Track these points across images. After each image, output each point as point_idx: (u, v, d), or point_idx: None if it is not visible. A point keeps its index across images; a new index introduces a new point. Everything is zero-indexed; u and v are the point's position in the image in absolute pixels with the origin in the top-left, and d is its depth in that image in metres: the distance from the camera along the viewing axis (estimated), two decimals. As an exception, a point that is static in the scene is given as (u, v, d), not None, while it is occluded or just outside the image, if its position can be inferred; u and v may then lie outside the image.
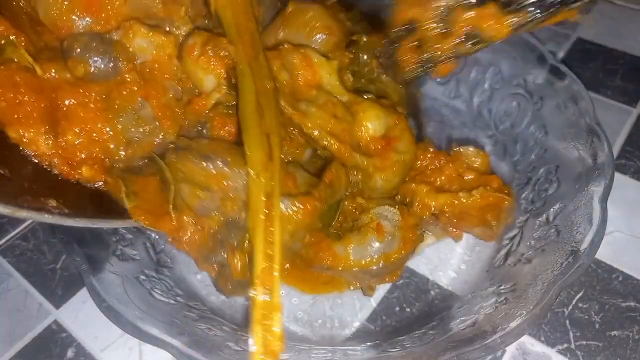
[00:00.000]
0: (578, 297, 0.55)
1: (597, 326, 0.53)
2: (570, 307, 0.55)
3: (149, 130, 0.46)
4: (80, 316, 0.57)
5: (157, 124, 0.46)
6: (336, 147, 0.48)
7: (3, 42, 0.44)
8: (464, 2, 0.42)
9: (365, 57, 0.54)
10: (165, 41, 0.46)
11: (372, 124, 0.49)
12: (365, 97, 0.51)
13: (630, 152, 0.69)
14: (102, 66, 0.44)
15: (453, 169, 0.54)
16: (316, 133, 0.47)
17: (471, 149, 0.55)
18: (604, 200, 0.48)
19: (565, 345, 0.52)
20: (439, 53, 0.45)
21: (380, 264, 0.50)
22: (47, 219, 0.40)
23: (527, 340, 0.53)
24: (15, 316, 0.57)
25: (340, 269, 0.51)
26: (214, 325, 0.49)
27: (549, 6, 0.40)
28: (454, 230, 0.54)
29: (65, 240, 0.48)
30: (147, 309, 0.46)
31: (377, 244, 0.50)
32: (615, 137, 0.70)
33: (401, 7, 0.45)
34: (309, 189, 0.46)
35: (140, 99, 0.45)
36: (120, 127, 0.45)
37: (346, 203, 0.53)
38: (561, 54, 0.83)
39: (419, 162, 0.54)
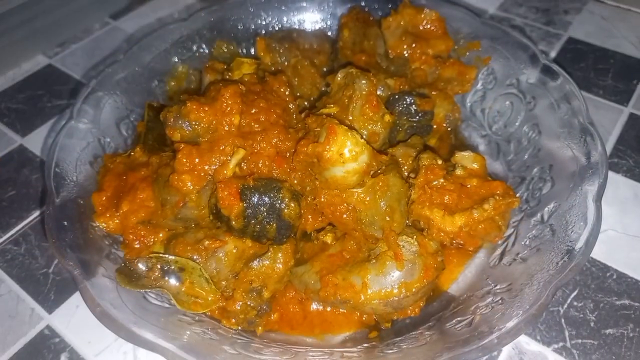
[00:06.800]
0: (573, 295, 0.56)
1: (592, 324, 0.53)
2: (565, 306, 0.55)
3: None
4: (73, 321, 0.56)
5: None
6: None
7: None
8: None
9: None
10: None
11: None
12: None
13: (622, 151, 0.69)
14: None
15: (455, 182, 0.52)
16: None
17: (467, 153, 0.54)
18: (598, 198, 0.48)
19: (561, 344, 0.52)
20: None
21: (402, 295, 0.47)
22: None
23: (522, 339, 0.53)
24: (6, 322, 0.57)
25: (360, 301, 0.48)
26: (208, 329, 0.49)
27: None
28: (462, 247, 0.53)
29: (57, 244, 0.48)
30: (141, 313, 0.45)
31: (397, 272, 0.47)
32: (607, 136, 0.71)
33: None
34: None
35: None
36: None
37: (357, 233, 0.51)
38: (553, 54, 0.83)
39: (432, 182, 0.52)
